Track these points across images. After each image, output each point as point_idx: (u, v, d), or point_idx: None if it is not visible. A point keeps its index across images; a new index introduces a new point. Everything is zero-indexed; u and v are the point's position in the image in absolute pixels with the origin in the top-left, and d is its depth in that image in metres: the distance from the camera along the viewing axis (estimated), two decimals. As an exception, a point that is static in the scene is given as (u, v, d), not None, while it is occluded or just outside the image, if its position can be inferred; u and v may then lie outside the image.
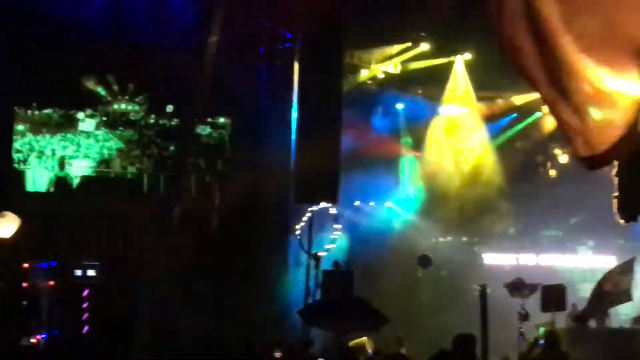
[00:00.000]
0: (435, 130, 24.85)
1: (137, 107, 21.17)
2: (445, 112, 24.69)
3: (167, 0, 20.65)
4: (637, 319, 18.86)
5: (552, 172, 25.88)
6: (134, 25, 20.00)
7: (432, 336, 19.26)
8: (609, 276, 17.96)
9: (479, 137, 25.09)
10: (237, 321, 18.44)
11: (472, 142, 25.13)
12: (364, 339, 16.27)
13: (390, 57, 23.29)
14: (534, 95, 24.14)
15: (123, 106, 21.09)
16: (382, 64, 23.36)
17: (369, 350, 15.73)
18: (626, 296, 17.47)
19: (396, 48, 23.11)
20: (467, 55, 23.27)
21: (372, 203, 24.15)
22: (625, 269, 17.22)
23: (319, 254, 19.39)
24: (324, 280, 17.19)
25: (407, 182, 24.94)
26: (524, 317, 17.81)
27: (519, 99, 24.73)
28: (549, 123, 24.94)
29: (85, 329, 17.25)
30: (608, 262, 25.02)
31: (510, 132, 25.79)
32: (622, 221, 7.73)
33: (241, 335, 15.68)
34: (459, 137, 25.13)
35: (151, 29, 20.01)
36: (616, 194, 7.32)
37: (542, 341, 14.07)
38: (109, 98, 21.03)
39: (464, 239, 26.53)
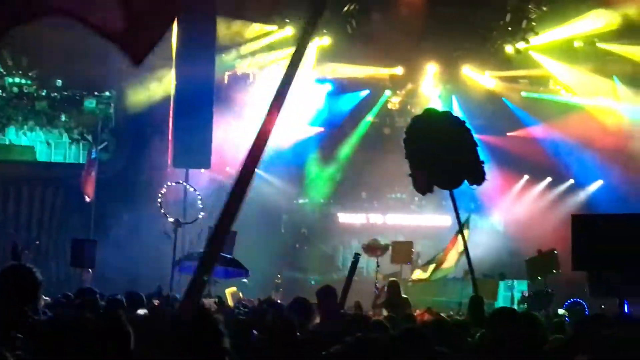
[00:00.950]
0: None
1: (29, 81, 22.45)
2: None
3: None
4: (467, 272, 20.98)
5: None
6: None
7: (292, 286, 21.66)
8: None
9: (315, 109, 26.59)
10: (119, 275, 19.57)
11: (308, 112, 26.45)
12: (234, 288, 18.67)
13: (258, 37, 24.36)
14: (382, 71, 26.57)
15: (17, 80, 22.38)
16: (250, 43, 24.42)
17: (240, 295, 18.23)
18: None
19: (264, 30, 24.35)
20: (326, 40, 24.52)
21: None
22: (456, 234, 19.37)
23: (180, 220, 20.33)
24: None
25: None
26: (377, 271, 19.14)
27: (366, 72, 26.17)
28: (394, 100, 27.44)
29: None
30: (444, 220, 27.84)
31: (365, 108, 27.41)
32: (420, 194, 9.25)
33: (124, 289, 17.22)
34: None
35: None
36: (409, 172, 8.85)
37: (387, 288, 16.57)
38: (4, 72, 22.25)
39: (321, 200, 28.48)
